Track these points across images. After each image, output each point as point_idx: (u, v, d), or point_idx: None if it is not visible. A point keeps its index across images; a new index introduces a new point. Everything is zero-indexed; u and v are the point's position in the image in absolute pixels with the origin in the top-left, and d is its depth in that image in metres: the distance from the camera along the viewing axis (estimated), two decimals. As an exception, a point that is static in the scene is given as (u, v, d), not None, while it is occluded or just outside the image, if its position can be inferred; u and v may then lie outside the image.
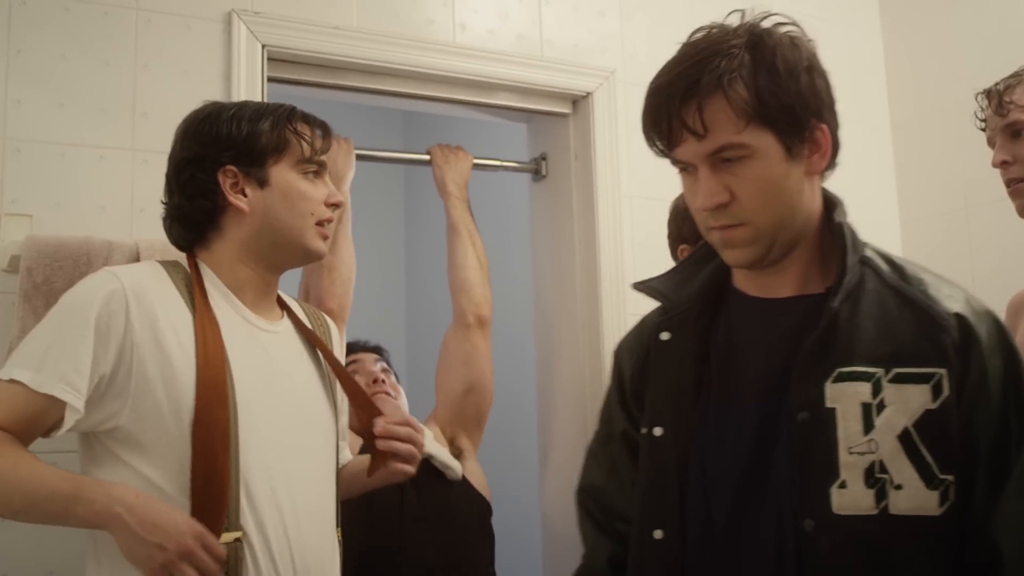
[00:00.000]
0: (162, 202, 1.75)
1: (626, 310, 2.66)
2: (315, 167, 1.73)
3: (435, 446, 2.43)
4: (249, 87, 2.28)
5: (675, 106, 1.31)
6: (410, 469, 1.76)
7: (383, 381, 2.55)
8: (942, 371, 1.26)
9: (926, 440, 1.24)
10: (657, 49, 2.88)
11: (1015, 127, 1.82)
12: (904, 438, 1.24)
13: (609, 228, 2.69)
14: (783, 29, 1.33)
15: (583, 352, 2.70)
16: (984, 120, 1.89)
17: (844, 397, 1.27)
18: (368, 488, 1.88)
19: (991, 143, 1.88)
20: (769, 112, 1.28)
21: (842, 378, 1.28)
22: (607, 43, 2.80)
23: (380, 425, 1.73)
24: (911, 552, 1.23)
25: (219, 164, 1.67)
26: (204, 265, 1.70)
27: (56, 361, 1.50)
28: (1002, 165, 1.83)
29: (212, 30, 2.30)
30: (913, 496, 1.23)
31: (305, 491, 1.64)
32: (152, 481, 1.52)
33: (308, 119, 1.75)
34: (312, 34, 2.38)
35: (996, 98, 1.83)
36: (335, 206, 1.75)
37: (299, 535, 1.59)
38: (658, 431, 1.42)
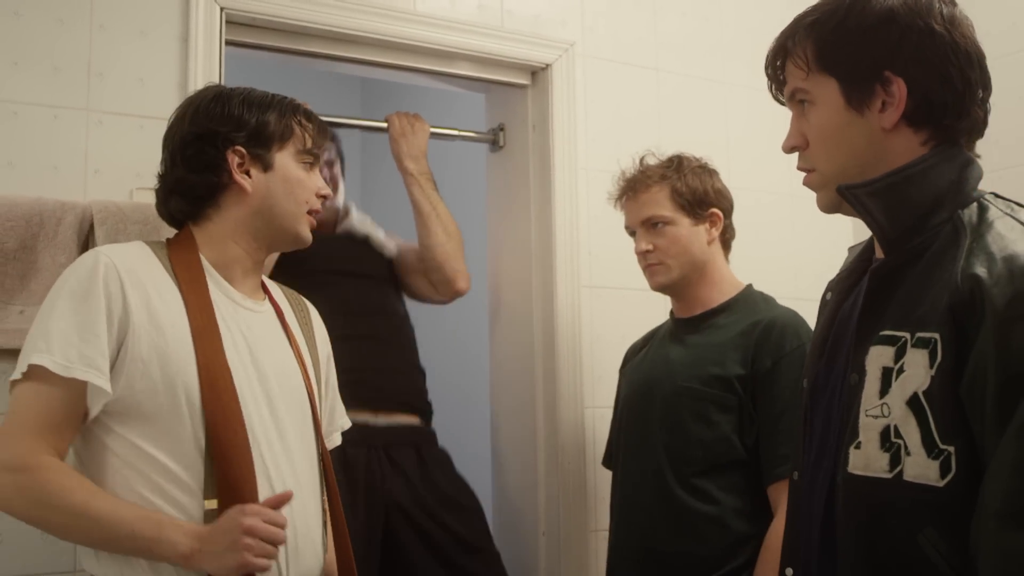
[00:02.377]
0: (158, 175, 1.79)
1: (579, 281, 2.69)
2: (311, 158, 1.82)
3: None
4: (207, 49, 2.26)
5: (768, 58, 1.43)
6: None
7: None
8: (936, 335, 1.21)
9: (933, 407, 1.20)
10: (617, 23, 2.90)
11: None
12: (913, 403, 1.22)
13: (565, 200, 2.70)
14: None
15: (536, 323, 2.72)
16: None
17: (874, 360, 1.28)
18: None
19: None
20: (826, 60, 1.34)
21: (880, 341, 1.29)
22: (567, 15, 2.80)
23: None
24: (920, 521, 1.20)
25: (230, 143, 1.74)
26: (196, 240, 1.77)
27: (80, 346, 1.55)
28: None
29: (170, -9, 2.27)
30: (918, 464, 1.21)
31: (290, 465, 1.70)
32: (150, 454, 1.59)
33: (309, 115, 1.84)
34: (271, -2, 2.36)
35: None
36: (324, 198, 1.84)
37: (288, 506, 1.63)
38: (804, 382, 1.49)
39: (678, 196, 2.21)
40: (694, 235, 2.21)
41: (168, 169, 1.78)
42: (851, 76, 1.32)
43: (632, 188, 2.28)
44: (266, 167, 1.76)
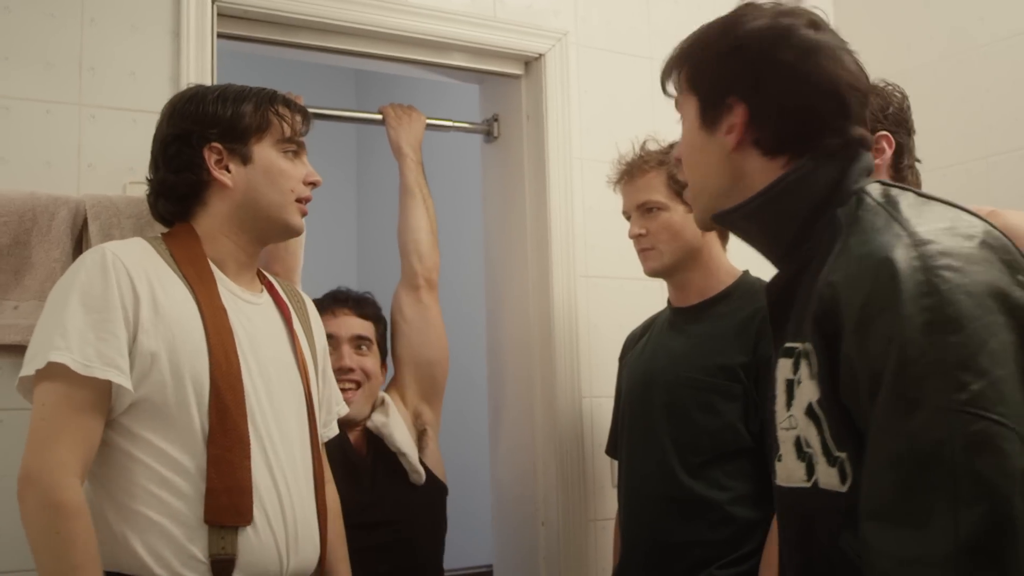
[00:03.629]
0: (147, 179, 1.83)
1: (575, 271, 2.68)
2: (294, 147, 1.82)
3: (407, 442, 2.38)
4: (199, 43, 2.25)
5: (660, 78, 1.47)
6: None
7: (350, 370, 2.38)
8: (810, 346, 1.21)
9: (825, 416, 1.20)
10: (610, 12, 2.90)
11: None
12: (810, 413, 1.23)
13: (560, 190, 2.70)
14: (757, 14, 1.35)
15: (533, 313, 2.72)
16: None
17: (780, 373, 1.30)
18: None
19: None
20: (691, 80, 1.38)
21: (783, 354, 1.30)
22: (560, 5, 2.80)
23: None
24: (838, 526, 1.20)
25: (205, 140, 1.76)
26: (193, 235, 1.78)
27: (97, 344, 1.57)
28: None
29: (161, -16, 2.26)
30: (823, 472, 1.22)
31: (289, 455, 1.72)
32: (155, 445, 1.61)
33: (288, 103, 1.84)
34: (263, -10, 2.36)
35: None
36: (313, 184, 1.84)
37: (288, 494, 1.69)
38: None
39: (674, 182, 2.20)
40: (688, 221, 2.20)
41: (153, 172, 1.82)
42: (706, 97, 1.36)
43: (629, 172, 2.28)
44: (245, 160, 1.77)
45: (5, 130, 2.08)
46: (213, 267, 1.76)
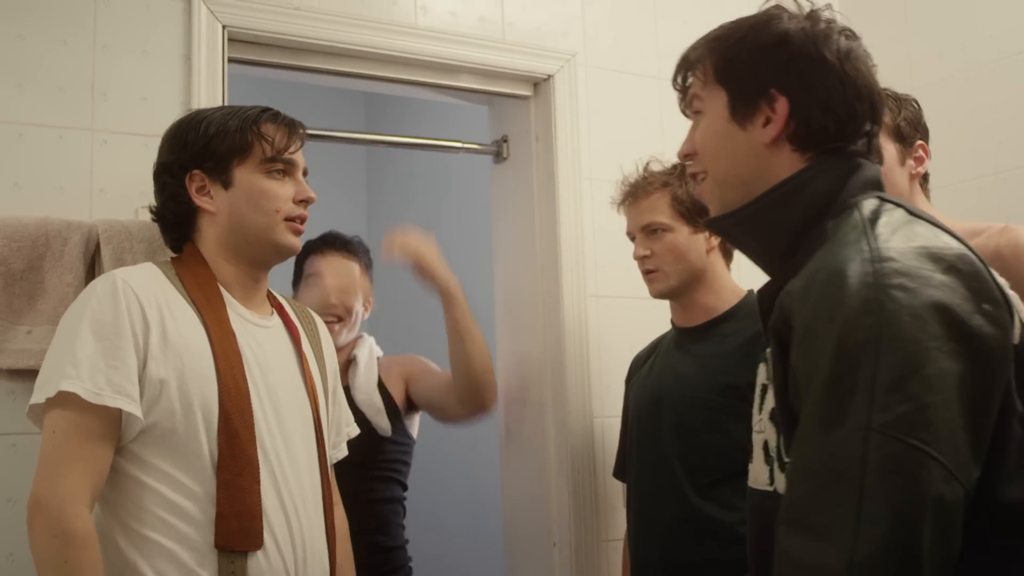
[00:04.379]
0: (150, 205, 1.88)
1: (586, 291, 2.69)
2: (281, 166, 1.80)
3: (369, 403, 2.49)
4: (209, 68, 2.27)
5: (675, 71, 1.46)
6: None
7: (333, 306, 2.52)
8: (764, 354, 1.23)
9: (782, 422, 1.23)
10: (618, 33, 2.91)
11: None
12: (772, 418, 1.25)
13: (570, 210, 2.71)
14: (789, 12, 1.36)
15: (543, 334, 2.72)
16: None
17: (758, 378, 1.33)
18: None
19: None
20: (720, 73, 1.36)
21: (763, 360, 1.32)
22: (569, 26, 2.81)
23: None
24: None
25: (185, 169, 1.78)
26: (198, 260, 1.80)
27: (107, 372, 1.57)
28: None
29: (172, 9, 2.28)
30: (779, 477, 1.24)
31: (297, 478, 1.72)
32: (163, 471, 1.61)
33: (277, 119, 1.82)
34: (273, 15, 2.37)
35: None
36: (305, 202, 1.82)
37: (296, 517, 1.69)
38: None
39: (678, 203, 2.20)
40: (692, 243, 2.20)
41: (155, 201, 1.86)
42: (739, 90, 1.35)
43: (633, 194, 2.28)
44: (226, 185, 1.78)
45: (18, 156, 2.10)
46: (223, 290, 1.77)
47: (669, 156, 2.30)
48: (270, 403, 1.72)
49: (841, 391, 1.08)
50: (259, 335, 1.78)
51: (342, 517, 1.93)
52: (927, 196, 2.07)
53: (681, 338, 2.29)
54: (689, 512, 2.10)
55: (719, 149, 1.37)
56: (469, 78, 2.70)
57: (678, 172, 2.24)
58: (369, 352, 2.64)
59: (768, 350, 1.27)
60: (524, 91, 2.79)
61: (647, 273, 2.26)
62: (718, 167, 1.37)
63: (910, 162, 2.02)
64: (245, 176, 1.78)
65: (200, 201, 1.78)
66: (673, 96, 1.48)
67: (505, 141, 2.90)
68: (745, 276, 2.28)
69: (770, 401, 1.26)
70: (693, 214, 2.20)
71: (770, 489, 1.27)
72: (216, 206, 1.78)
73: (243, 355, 1.71)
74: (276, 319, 1.86)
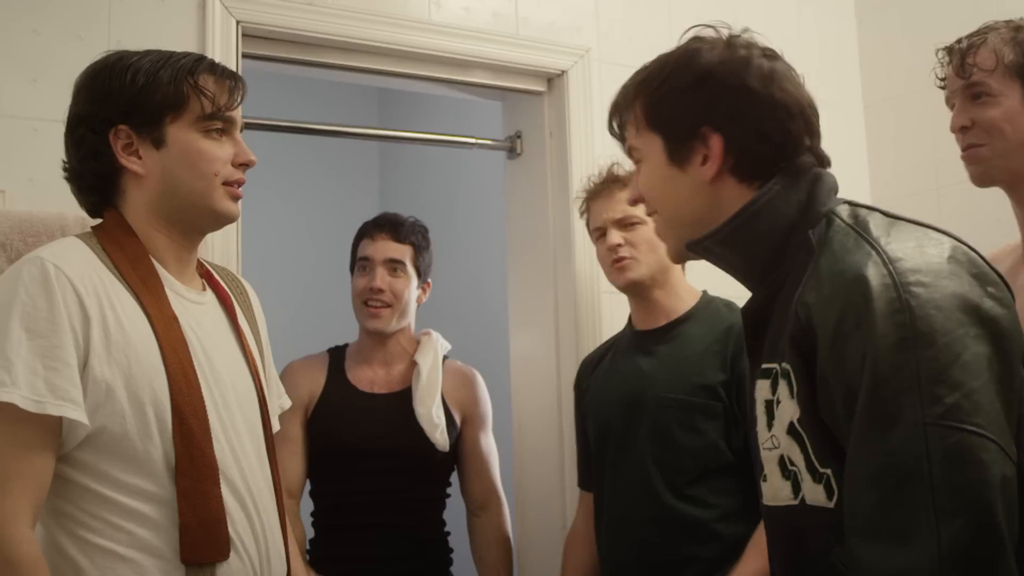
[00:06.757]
0: (63, 161, 1.64)
1: (599, 287, 2.68)
2: (220, 124, 1.60)
3: (428, 416, 2.45)
4: (224, 63, 2.26)
5: (608, 117, 1.51)
6: None
7: (380, 291, 2.49)
8: (789, 366, 1.22)
9: (807, 434, 1.21)
10: (632, 28, 2.90)
11: (975, 90, 1.75)
12: (792, 432, 1.24)
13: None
14: (710, 41, 1.38)
15: (558, 328, 2.72)
16: (943, 79, 1.84)
17: (759, 394, 1.31)
18: None
19: (949, 103, 1.83)
20: (651, 118, 1.38)
21: (760, 375, 1.31)
22: (582, 22, 2.81)
23: None
24: (828, 540, 1.21)
25: (109, 123, 1.55)
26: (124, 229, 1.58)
27: (46, 375, 1.39)
28: (960, 130, 1.78)
29: (186, 5, 2.29)
30: (809, 489, 1.23)
31: (251, 469, 1.60)
32: (117, 478, 1.46)
33: (215, 70, 1.61)
34: (287, 10, 2.38)
35: (959, 57, 1.77)
36: (245, 165, 1.63)
37: (256, 513, 1.57)
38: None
39: None
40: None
41: (67, 158, 1.62)
42: (671, 134, 1.35)
43: (608, 187, 2.30)
44: (158, 144, 1.55)
45: (33, 151, 2.10)
46: (157, 265, 1.57)
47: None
48: (218, 392, 1.56)
49: (889, 392, 1.10)
50: (197, 313, 1.60)
51: (280, 490, 1.76)
52: None
53: (641, 340, 2.30)
54: (666, 512, 2.12)
55: (664, 193, 1.39)
56: (482, 74, 2.70)
57: None
58: (434, 358, 2.56)
59: (775, 364, 1.27)
60: (538, 87, 2.79)
61: (618, 262, 2.26)
62: (665, 209, 1.40)
63: None
64: (179, 134, 1.55)
65: (126, 161, 1.55)
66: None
67: (519, 137, 2.90)
68: (697, 278, 2.29)
69: (784, 416, 1.25)
70: None
71: (795, 502, 1.25)
72: (145, 167, 1.55)
73: (187, 341, 1.53)
74: (210, 294, 1.68)
